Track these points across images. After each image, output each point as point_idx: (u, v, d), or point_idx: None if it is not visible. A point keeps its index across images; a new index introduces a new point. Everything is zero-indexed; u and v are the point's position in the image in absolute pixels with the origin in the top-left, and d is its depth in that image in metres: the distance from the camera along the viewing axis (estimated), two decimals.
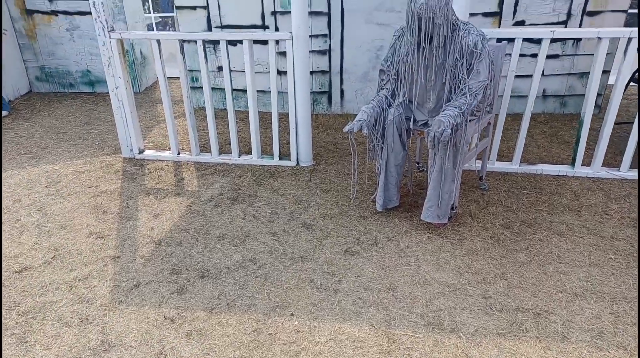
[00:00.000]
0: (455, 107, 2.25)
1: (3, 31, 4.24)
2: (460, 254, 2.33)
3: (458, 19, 2.30)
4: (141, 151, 3.57)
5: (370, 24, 3.95)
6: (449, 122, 2.18)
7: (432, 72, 2.36)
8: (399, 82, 2.51)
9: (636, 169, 3.02)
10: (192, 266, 2.30)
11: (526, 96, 3.07)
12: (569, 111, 4.14)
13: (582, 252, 2.32)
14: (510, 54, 3.01)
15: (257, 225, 2.63)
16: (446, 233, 2.50)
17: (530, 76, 3.73)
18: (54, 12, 4.79)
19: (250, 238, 2.52)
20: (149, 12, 5.96)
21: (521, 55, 3.88)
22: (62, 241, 2.52)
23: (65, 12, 4.78)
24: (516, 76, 3.84)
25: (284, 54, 4.00)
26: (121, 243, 2.50)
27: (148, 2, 5.89)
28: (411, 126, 2.52)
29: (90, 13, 4.75)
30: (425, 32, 2.23)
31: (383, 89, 2.60)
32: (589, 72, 3.85)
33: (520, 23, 3.80)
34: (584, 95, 3.62)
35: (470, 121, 2.47)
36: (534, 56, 3.89)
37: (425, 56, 2.32)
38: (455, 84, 2.37)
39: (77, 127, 4.21)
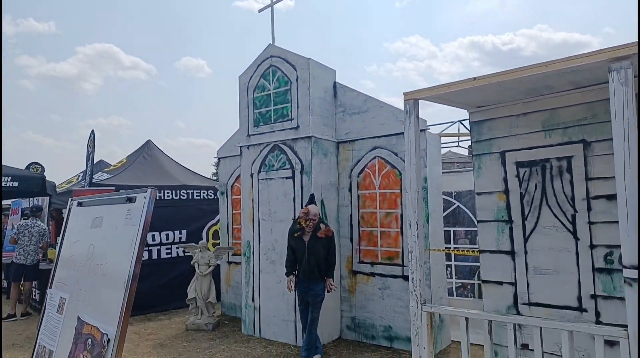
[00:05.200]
0: None
1: (333, 287, 5.23)
2: None
3: None
4: None
5: None
6: None
7: None
8: None
9: None
10: None
11: None
12: None
13: None
14: None
15: None
16: None
17: None
18: (372, 274, 5.69)
19: None
20: (450, 278, 6.37)
21: None
22: None
23: (381, 275, 5.62)
24: None
25: (611, 343, 3.40)
26: None
27: (451, 268, 6.36)
28: None
29: (401, 277, 5.42)
30: None
31: None
32: None
33: None
34: None
35: None
36: None
37: None
38: None
39: None
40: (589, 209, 3.63)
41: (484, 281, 4.32)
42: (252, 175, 6.28)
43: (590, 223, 3.63)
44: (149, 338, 6.18)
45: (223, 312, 7.51)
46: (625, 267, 2.56)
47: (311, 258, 5.10)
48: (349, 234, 5.95)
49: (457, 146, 9.88)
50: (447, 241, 6.31)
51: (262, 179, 6.15)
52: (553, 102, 3.71)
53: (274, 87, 6.10)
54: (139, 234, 1.88)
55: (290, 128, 5.88)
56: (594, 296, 3.67)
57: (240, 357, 5.32)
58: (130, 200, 2.03)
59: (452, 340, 5.62)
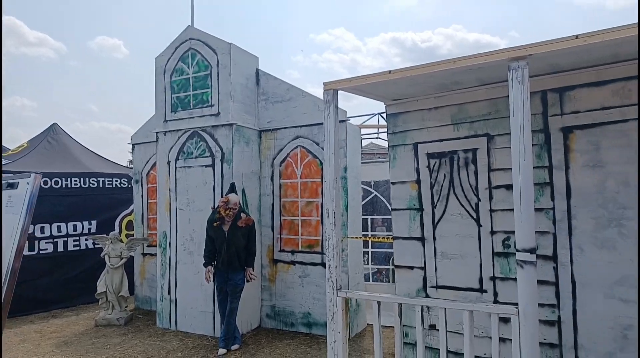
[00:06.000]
0: None
1: (253, 276, 5.18)
2: None
3: None
4: None
5: (611, 298, 3.47)
6: None
7: None
8: None
9: None
10: None
11: None
12: None
13: None
14: None
15: None
16: None
17: None
18: (293, 262, 5.72)
19: None
20: (367, 264, 6.60)
21: None
22: None
23: (302, 263, 5.66)
24: None
25: (504, 320, 3.71)
26: None
27: (368, 255, 6.58)
28: None
29: (320, 264, 5.50)
30: None
31: None
32: None
33: None
34: None
35: None
36: None
37: None
38: None
39: None
40: (491, 198, 3.92)
41: (396, 266, 4.52)
42: (169, 163, 6.01)
43: (491, 210, 3.92)
44: (52, 336, 5.72)
45: (137, 306, 7.15)
46: (518, 251, 2.79)
47: (231, 248, 5.01)
48: (271, 223, 5.91)
49: (377, 138, 10.22)
50: (365, 229, 6.52)
51: (180, 167, 5.91)
52: (461, 97, 3.94)
53: (193, 72, 5.85)
54: (20, 223, 1.69)
55: (211, 114, 5.69)
56: (493, 278, 3.98)
57: (154, 351, 5.10)
58: (11, 186, 1.82)
59: (367, 323, 5.83)
